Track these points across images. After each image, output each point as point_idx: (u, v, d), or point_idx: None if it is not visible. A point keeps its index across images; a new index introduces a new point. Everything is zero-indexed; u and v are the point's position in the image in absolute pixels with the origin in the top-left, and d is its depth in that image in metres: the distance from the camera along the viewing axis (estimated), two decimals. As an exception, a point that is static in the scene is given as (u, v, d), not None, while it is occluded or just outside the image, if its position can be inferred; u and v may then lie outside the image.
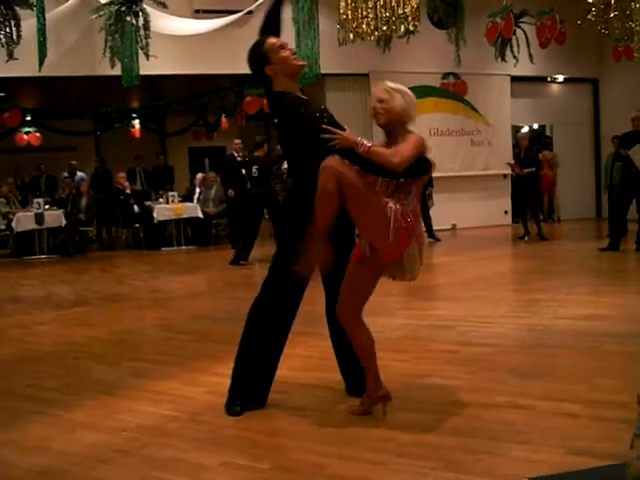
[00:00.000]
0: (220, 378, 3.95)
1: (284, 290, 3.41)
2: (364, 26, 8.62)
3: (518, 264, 9.72)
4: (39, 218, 11.60)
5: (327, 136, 3.09)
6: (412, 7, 8.36)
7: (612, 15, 10.09)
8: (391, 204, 3.08)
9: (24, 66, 8.93)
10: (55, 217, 11.83)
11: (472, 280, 7.60)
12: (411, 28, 8.71)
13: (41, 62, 8.74)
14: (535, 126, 15.92)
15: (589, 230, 12.83)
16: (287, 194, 3.75)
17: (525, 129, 15.39)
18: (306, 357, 4.44)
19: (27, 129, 13.91)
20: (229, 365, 3.55)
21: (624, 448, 2.38)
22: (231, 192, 11.22)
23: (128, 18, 9.15)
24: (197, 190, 13.11)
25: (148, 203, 12.96)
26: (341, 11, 8.71)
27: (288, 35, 9.07)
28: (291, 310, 3.46)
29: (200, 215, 12.33)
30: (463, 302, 6.32)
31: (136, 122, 15.09)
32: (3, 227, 11.93)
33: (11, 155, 14.68)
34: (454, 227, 13.50)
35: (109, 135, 15.78)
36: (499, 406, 3.42)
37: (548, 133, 15.19)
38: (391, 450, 2.93)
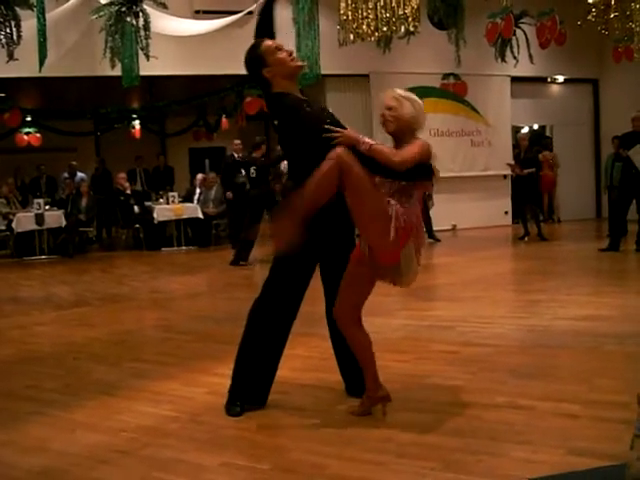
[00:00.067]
0: (220, 379, 3.95)
1: (285, 291, 3.41)
2: (364, 27, 8.62)
3: (518, 264, 9.72)
4: (39, 219, 11.60)
5: (330, 135, 3.10)
6: (412, 8, 8.35)
7: (612, 16, 10.10)
8: (393, 202, 3.09)
9: (24, 66, 8.92)
10: (55, 218, 11.84)
11: (472, 280, 7.60)
12: (411, 29, 8.69)
13: (41, 62, 8.73)
14: (535, 127, 15.91)
15: (589, 230, 12.83)
16: (288, 195, 3.75)
17: (525, 130, 15.39)
18: (306, 358, 4.44)
19: (27, 130, 13.90)
20: (229, 366, 3.55)
21: (624, 449, 2.38)
22: (229, 194, 11.24)
23: (128, 19, 9.14)
24: (197, 191, 13.11)
25: (148, 204, 12.96)
26: (341, 12, 8.70)
27: (288, 36, 9.11)
28: (292, 311, 3.46)
29: (200, 216, 12.33)
30: (463, 302, 6.32)
31: (136, 123, 15.08)
32: (3, 228, 11.93)
33: (11, 156, 14.68)
34: (454, 228, 13.51)
35: (109, 136, 15.77)
36: (499, 406, 3.42)
37: (548, 134, 15.18)
38: (391, 450, 2.93)
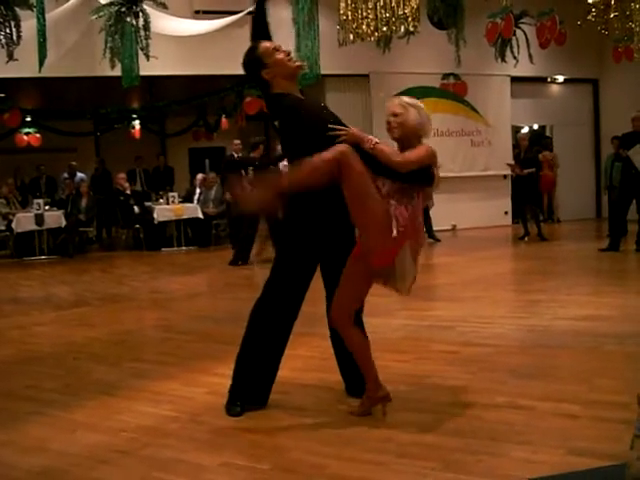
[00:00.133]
0: (220, 379, 3.95)
1: (286, 291, 3.42)
2: (364, 27, 8.62)
3: (518, 265, 9.72)
4: (39, 219, 11.60)
5: (334, 133, 3.11)
6: (412, 8, 8.35)
7: (612, 16, 10.10)
8: (393, 202, 3.10)
9: (24, 67, 8.92)
10: (55, 218, 11.83)
11: (472, 280, 7.60)
12: (411, 29, 8.70)
13: (41, 63, 8.73)
14: (535, 127, 15.91)
15: (589, 230, 12.84)
16: (289, 195, 3.75)
17: (525, 130, 15.39)
18: (307, 358, 4.44)
19: (27, 130, 13.90)
20: (229, 366, 3.55)
21: (624, 449, 2.38)
22: (228, 195, 11.22)
23: (128, 19, 9.15)
24: (197, 191, 13.10)
25: (148, 204, 12.96)
26: (341, 12, 8.70)
27: (288, 36, 9.11)
28: (293, 311, 3.46)
29: (200, 216, 12.33)
30: (463, 303, 6.32)
31: (136, 123, 15.08)
32: (3, 228, 11.93)
33: (11, 156, 14.68)
34: (454, 228, 13.51)
35: (109, 136, 15.77)
36: (499, 407, 3.42)
37: (548, 134, 15.18)
38: (391, 450, 2.93)
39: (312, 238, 3.38)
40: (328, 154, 3.06)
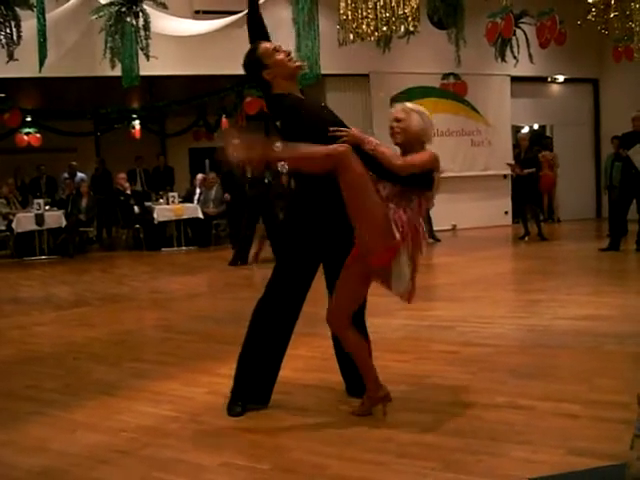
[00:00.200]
0: (220, 379, 3.95)
1: (287, 291, 3.42)
2: (364, 26, 8.61)
3: (518, 264, 9.72)
4: (39, 219, 11.60)
5: (335, 134, 3.12)
6: (412, 7, 8.35)
7: (612, 15, 10.09)
8: (392, 206, 3.11)
9: (24, 67, 8.92)
10: (55, 218, 11.84)
11: (472, 280, 7.60)
12: (411, 28, 8.69)
13: (41, 63, 8.73)
14: (535, 126, 15.91)
15: (589, 230, 12.83)
16: (291, 196, 3.76)
17: (525, 129, 15.38)
18: (309, 358, 4.44)
19: (27, 130, 13.89)
20: (230, 366, 3.55)
21: (624, 448, 2.38)
22: (227, 196, 11.24)
23: (128, 19, 9.15)
24: (197, 191, 13.10)
25: (148, 204, 12.96)
26: (341, 12, 8.70)
27: (288, 36, 9.12)
28: (294, 311, 3.46)
29: (200, 216, 12.33)
30: (463, 302, 6.32)
31: (136, 123, 15.07)
32: (3, 228, 11.93)
33: (11, 156, 14.67)
34: (454, 227, 13.51)
35: (109, 136, 15.77)
36: (499, 406, 3.42)
37: (548, 133, 15.18)
38: (391, 450, 2.93)
39: (314, 238, 3.38)
40: (329, 150, 3.07)
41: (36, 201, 11.89)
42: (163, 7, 9.43)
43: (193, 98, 13.60)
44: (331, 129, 3.16)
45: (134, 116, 15.03)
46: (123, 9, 9.13)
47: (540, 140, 14.63)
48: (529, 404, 3.41)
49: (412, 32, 9.05)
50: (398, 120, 3.24)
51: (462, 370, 4.08)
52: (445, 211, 12.41)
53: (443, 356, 4.45)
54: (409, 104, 3.34)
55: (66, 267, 10.56)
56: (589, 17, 10.10)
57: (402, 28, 8.77)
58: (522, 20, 10.55)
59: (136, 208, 12.64)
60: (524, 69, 11.96)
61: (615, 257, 8.98)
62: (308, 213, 3.39)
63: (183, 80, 12.26)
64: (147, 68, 9.49)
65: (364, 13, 8.53)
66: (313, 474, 2.75)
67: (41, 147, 14.27)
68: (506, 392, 3.62)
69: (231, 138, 3.23)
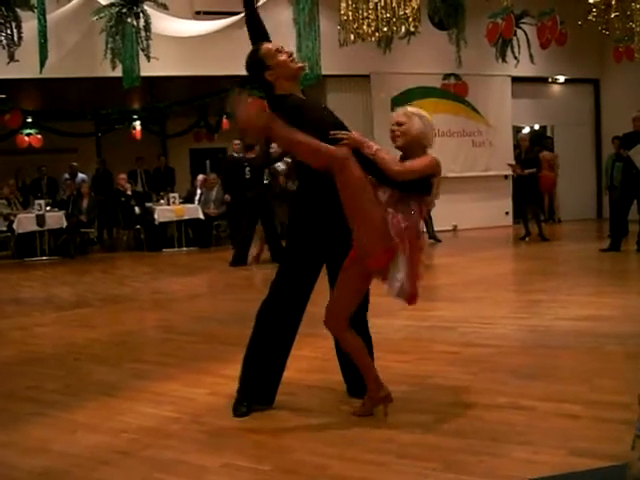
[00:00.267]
0: (222, 379, 3.95)
1: (292, 291, 3.43)
2: (365, 27, 8.62)
3: (519, 265, 9.71)
4: (40, 219, 11.61)
5: (336, 136, 3.13)
6: (413, 8, 8.36)
7: (613, 15, 10.09)
8: (391, 210, 3.12)
9: (25, 68, 8.93)
10: (56, 218, 11.84)
11: (473, 281, 7.60)
12: (412, 29, 8.69)
13: (42, 64, 8.75)
14: (536, 127, 15.90)
15: (590, 231, 12.83)
16: (293, 196, 3.75)
17: (526, 130, 15.38)
18: (311, 358, 4.43)
19: (28, 131, 13.92)
20: (231, 366, 3.56)
21: (625, 449, 2.38)
22: (227, 197, 11.24)
23: (129, 20, 9.16)
24: (198, 191, 13.11)
25: (149, 204, 12.97)
26: (342, 12, 8.70)
27: (289, 36, 9.13)
28: (298, 311, 3.47)
29: (201, 216, 12.33)
30: (464, 303, 6.32)
31: (137, 123, 15.09)
32: (4, 228, 11.95)
33: (12, 157, 14.68)
34: (455, 228, 13.51)
35: (110, 137, 15.78)
36: (500, 407, 3.42)
37: (549, 134, 15.18)
38: (392, 451, 2.93)
39: (317, 239, 3.38)
40: (330, 149, 3.08)
41: (37, 202, 11.90)
42: (164, 8, 9.43)
43: (194, 99, 13.61)
44: (332, 132, 3.16)
45: (135, 117, 15.05)
46: (124, 10, 9.15)
47: (541, 140, 14.62)
48: (530, 404, 3.41)
49: (413, 33, 9.05)
50: (399, 124, 3.25)
51: (463, 370, 4.08)
52: (446, 211, 12.39)
53: (444, 356, 4.44)
54: (410, 108, 3.35)
55: (67, 268, 10.56)
56: (590, 17, 10.10)
57: (403, 29, 8.77)
58: (523, 20, 10.56)
59: (137, 209, 12.64)
60: (525, 69, 11.96)
61: (616, 257, 8.98)
62: (311, 214, 3.39)
63: (184, 81, 12.26)
64: (148, 69, 9.50)
65: (365, 14, 8.54)
66: (314, 475, 2.75)
67: (42, 148, 14.30)
68: (507, 392, 3.62)
69: (245, 99, 3.24)
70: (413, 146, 3.23)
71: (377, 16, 8.50)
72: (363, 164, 3.11)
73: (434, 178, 3.23)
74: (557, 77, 14.51)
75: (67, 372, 4.51)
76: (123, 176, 13.11)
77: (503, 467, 2.72)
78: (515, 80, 13.61)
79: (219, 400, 3.62)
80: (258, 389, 3.49)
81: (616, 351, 4.41)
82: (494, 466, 2.73)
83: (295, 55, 3.55)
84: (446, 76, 13.15)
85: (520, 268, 9.29)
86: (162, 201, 12.88)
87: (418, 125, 3.23)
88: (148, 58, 9.25)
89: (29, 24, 8.45)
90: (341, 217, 3.24)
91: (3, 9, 8.05)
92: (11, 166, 14.44)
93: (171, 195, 12.57)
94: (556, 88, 14.90)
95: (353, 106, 12.27)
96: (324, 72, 9.94)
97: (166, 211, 12.21)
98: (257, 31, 3.58)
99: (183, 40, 10.55)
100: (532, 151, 11.74)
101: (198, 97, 13.54)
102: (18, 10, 8.20)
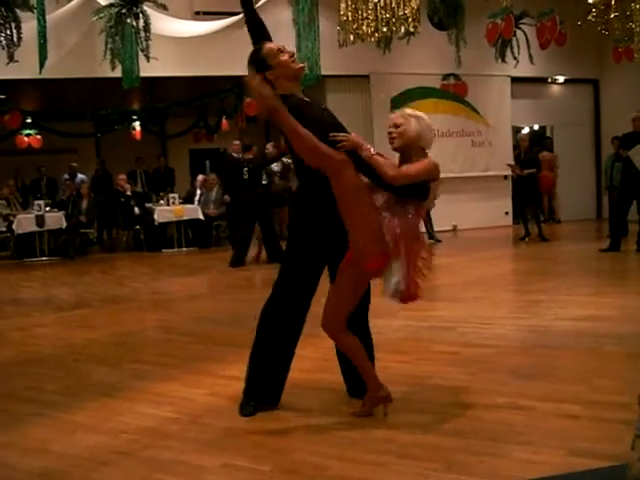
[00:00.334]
0: (221, 380, 3.95)
1: (295, 291, 3.43)
2: (364, 27, 8.61)
3: (519, 265, 9.72)
4: (40, 220, 11.60)
5: (335, 138, 3.13)
6: (412, 8, 8.35)
7: (612, 16, 10.09)
8: (386, 214, 3.12)
9: (25, 68, 8.93)
10: (56, 219, 11.84)
11: (473, 281, 7.60)
12: (411, 29, 8.69)
13: (42, 64, 8.74)
14: (535, 127, 15.90)
15: (590, 231, 12.83)
16: (294, 196, 3.76)
17: (525, 130, 15.38)
18: (313, 359, 4.42)
19: (28, 131, 13.89)
20: (230, 367, 3.56)
21: (625, 449, 2.38)
22: (227, 197, 11.24)
23: (128, 20, 9.15)
24: (198, 192, 13.11)
25: (149, 205, 12.97)
26: (341, 12, 8.70)
27: (288, 37, 9.12)
28: (302, 312, 3.47)
29: (201, 217, 12.33)
30: (464, 303, 6.32)
31: (137, 124, 15.07)
32: (4, 229, 11.94)
33: (12, 157, 14.67)
34: (455, 228, 13.51)
35: (110, 137, 15.76)
36: (500, 407, 3.42)
37: (549, 134, 15.17)
38: (392, 451, 2.93)
39: (319, 239, 3.38)
40: (329, 152, 3.08)
41: (36, 202, 11.89)
42: (163, 8, 9.43)
43: (193, 99, 13.60)
44: (331, 134, 3.16)
45: (134, 117, 15.03)
46: (123, 10, 9.14)
47: (540, 141, 14.62)
48: (530, 405, 3.41)
49: (412, 33, 9.05)
50: (396, 125, 3.24)
51: (463, 371, 4.08)
52: (446, 212, 12.43)
53: (444, 357, 4.45)
54: (408, 110, 3.33)
55: (66, 268, 10.56)
56: (589, 18, 10.11)
57: (402, 29, 8.76)
58: (522, 21, 10.56)
59: (136, 209, 12.64)
60: (524, 70, 11.95)
61: (615, 258, 8.98)
62: (313, 214, 3.39)
63: (183, 81, 12.26)
64: (147, 69, 9.49)
65: (364, 14, 8.53)
66: (314, 475, 2.75)
67: (41, 148, 14.28)
68: (507, 393, 3.62)
69: (261, 78, 3.26)
70: (410, 148, 3.23)
71: (376, 16, 8.50)
72: (360, 167, 3.12)
73: (431, 183, 3.22)
74: (556, 77, 14.51)
75: (67, 373, 4.51)
76: (123, 176, 13.10)
77: (503, 467, 2.72)
78: (514, 80, 13.61)
79: (218, 400, 3.62)
80: (264, 389, 3.49)
81: (616, 351, 4.41)
82: (494, 466, 2.73)
83: (296, 56, 3.55)
84: (445, 76, 13.14)
85: (520, 268, 9.29)
86: (162, 201, 12.88)
87: (415, 127, 3.22)
88: (148, 58, 9.24)
89: (29, 24, 8.45)
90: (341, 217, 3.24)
91: (3, 10, 8.05)
92: (11, 166, 14.44)
93: (171, 195, 12.57)
94: (555, 88, 14.90)
95: (353, 106, 12.27)
96: (323, 72, 9.94)
97: (166, 211, 12.21)
98: (258, 31, 3.58)
99: (183, 40, 10.55)
100: (531, 151, 11.74)
101: (198, 97, 13.53)
102: (18, 11, 8.20)
